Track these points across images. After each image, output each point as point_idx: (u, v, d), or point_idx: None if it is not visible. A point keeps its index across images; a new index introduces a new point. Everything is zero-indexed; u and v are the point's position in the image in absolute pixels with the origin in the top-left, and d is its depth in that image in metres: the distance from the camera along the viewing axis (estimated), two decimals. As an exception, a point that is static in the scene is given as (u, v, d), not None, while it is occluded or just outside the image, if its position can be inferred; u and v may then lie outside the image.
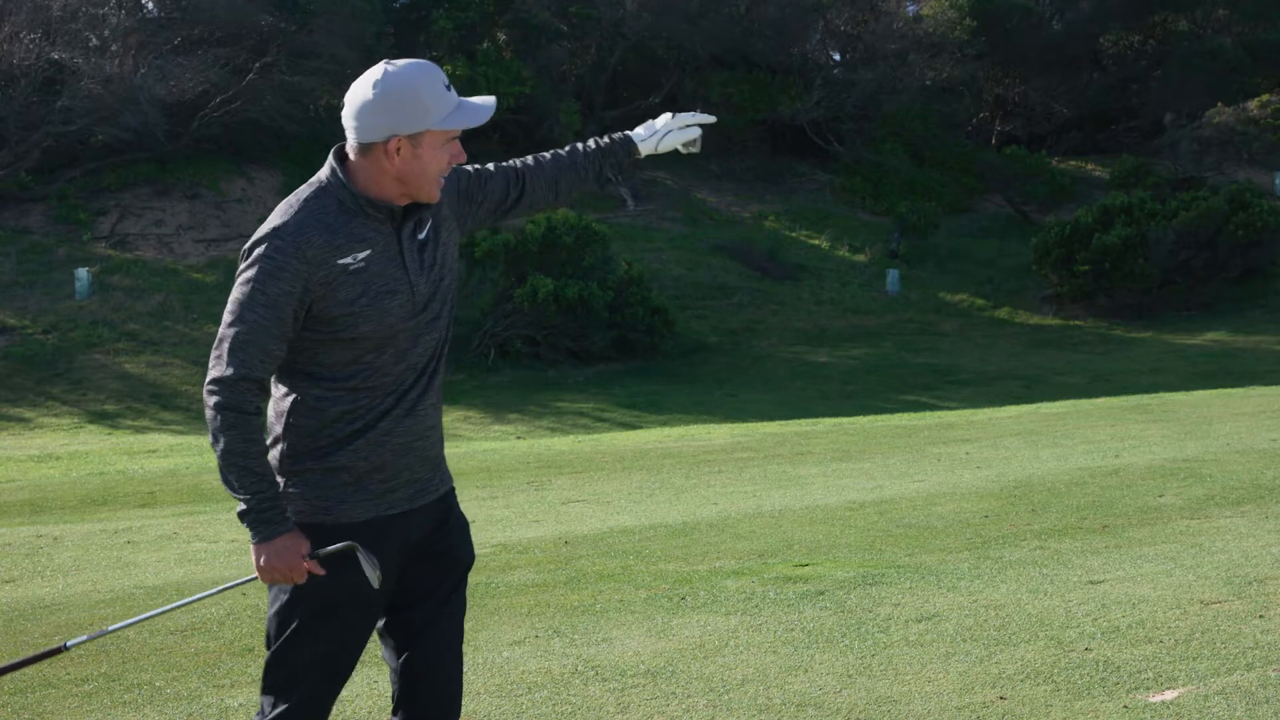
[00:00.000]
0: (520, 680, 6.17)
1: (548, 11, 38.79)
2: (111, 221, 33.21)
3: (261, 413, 3.75)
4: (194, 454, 19.75)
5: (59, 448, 21.82)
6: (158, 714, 6.01)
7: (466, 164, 4.05)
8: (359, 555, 3.75)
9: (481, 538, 10.28)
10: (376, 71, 3.75)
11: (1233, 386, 23.58)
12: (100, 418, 24.93)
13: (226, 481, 3.75)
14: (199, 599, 4.35)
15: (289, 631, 3.84)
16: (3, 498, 15.07)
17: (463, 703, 4.06)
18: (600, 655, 6.52)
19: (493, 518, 11.60)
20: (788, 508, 11.04)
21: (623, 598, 7.74)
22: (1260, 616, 6.55)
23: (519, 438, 22.54)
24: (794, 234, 38.32)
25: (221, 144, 35.15)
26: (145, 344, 28.30)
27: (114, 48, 34.59)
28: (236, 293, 3.73)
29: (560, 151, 4.31)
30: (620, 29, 39.23)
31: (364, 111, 3.74)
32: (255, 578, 3.89)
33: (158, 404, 25.84)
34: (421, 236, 3.87)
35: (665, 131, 4.29)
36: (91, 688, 6.44)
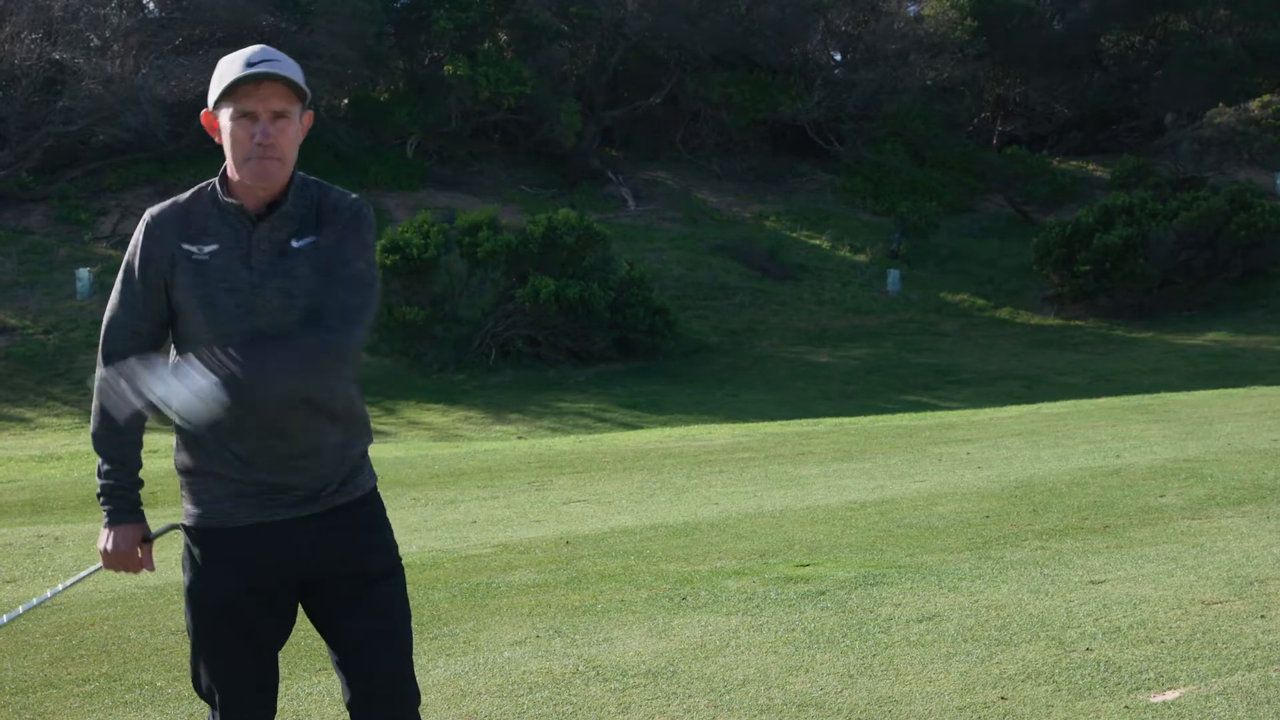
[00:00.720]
0: (521, 680, 6.17)
1: (548, 12, 38.80)
2: (112, 222, 33.22)
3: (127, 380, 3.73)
4: (195, 454, 19.74)
5: (60, 448, 21.82)
6: (159, 714, 6.01)
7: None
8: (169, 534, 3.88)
9: (482, 538, 10.29)
10: None
11: (1234, 387, 23.57)
12: (101, 418, 24.92)
13: (100, 463, 3.86)
14: (56, 593, 4.31)
15: (190, 637, 3.90)
16: (4, 498, 15.07)
17: (418, 698, 3.95)
18: (601, 655, 6.52)
19: (494, 518, 11.59)
20: (789, 508, 11.04)
21: (624, 598, 7.74)
22: (1261, 617, 6.55)
23: (520, 438, 22.54)
24: (795, 234, 38.32)
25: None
26: (146, 344, 28.33)
27: (115, 48, 34.61)
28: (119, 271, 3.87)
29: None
30: (621, 29, 39.23)
31: None
32: (100, 567, 4.00)
33: (159, 404, 25.85)
34: (297, 245, 3.75)
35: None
36: (93, 688, 6.44)
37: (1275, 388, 22.09)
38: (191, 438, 3.82)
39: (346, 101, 39.25)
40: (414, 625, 4.21)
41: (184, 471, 3.88)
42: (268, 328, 3.69)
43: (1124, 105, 45.43)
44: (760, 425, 20.76)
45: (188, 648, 7.18)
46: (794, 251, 37.10)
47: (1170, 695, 5.55)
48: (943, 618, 6.88)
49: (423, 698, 5.94)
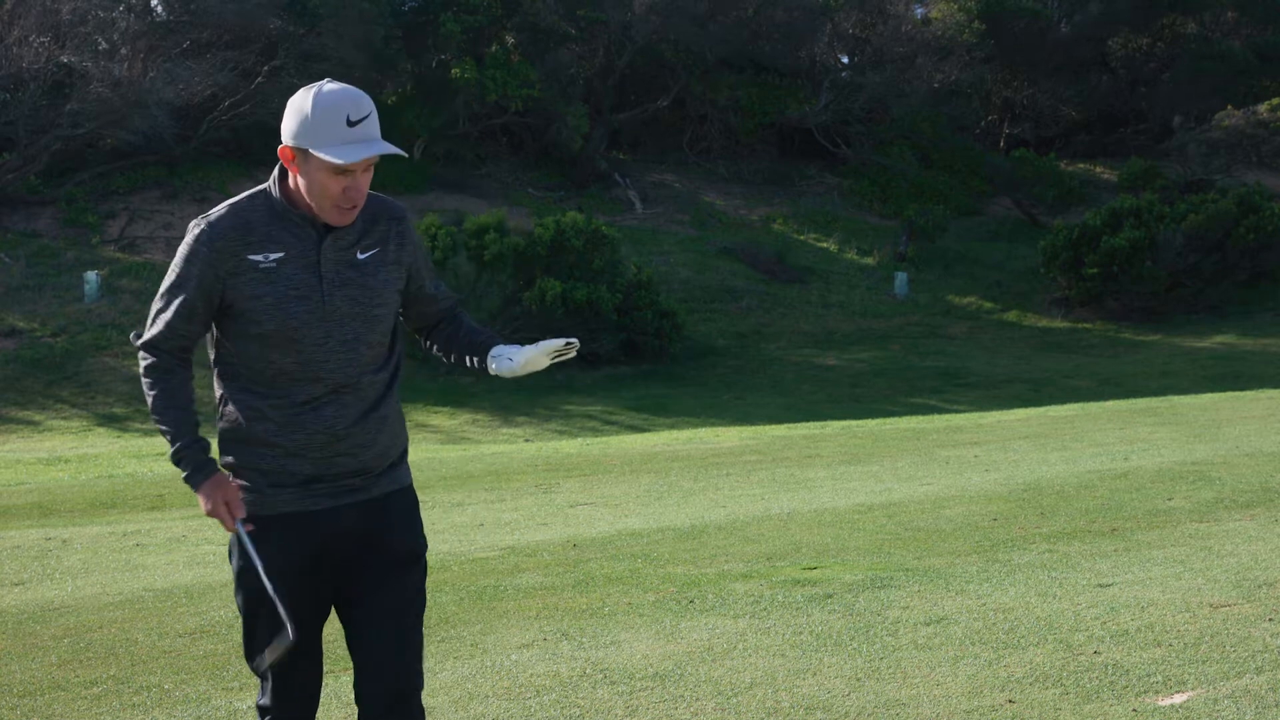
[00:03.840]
0: (528, 683, 6.17)
1: (556, 15, 38.81)
2: (120, 225, 33.26)
3: (182, 376, 4.07)
4: (203, 457, 19.75)
5: (68, 450, 21.85)
6: (166, 716, 6.02)
7: (432, 284, 4.30)
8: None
9: (490, 540, 10.29)
10: (314, 84, 3.97)
11: (1242, 389, 23.55)
12: (109, 420, 24.96)
13: (162, 432, 4.08)
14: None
15: (242, 616, 4.16)
16: (12, 500, 15.09)
17: (421, 694, 4.16)
18: (608, 658, 6.52)
19: (501, 520, 11.60)
20: (796, 510, 11.03)
21: (631, 601, 7.74)
22: (1270, 620, 6.54)
23: (527, 440, 22.54)
24: (802, 237, 38.32)
25: (230, 147, 35.21)
26: (154, 347, 28.34)
27: (123, 51, 34.65)
28: (166, 278, 4.06)
29: (458, 326, 4.40)
30: (628, 32, 39.23)
31: (285, 113, 3.98)
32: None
33: (166, 407, 25.86)
34: (362, 257, 4.07)
35: (525, 359, 4.33)
36: (100, 690, 6.44)
37: (1283, 391, 22.06)
38: (238, 436, 4.08)
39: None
40: (419, 644, 4.33)
41: (230, 466, 4.11)
42: (343, 341, 4.02)
43: (1131, 108, 45.39)
44: (767, 428, 20.76)
45: (196, 650, 7.20)
46: (801, 254, 37.09)
47: (1178, 698, 5.54)
48: (950, 621, 6.88)
49: (429, 701, 5.95)
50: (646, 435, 21.45)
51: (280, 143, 3.99)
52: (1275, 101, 40.84)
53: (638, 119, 41.14)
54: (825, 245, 37.93)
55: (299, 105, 3.91)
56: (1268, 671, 5.78)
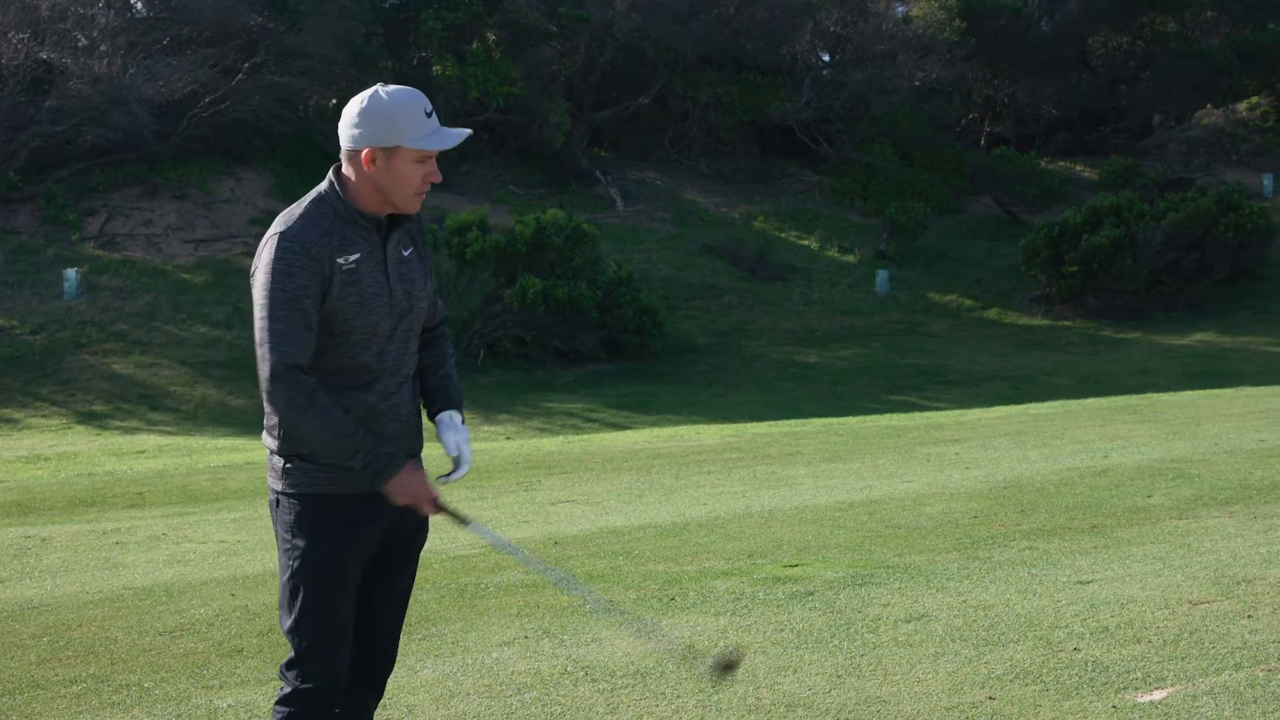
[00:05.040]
0: (510, 681, 6.17)
1: (537, 12, 38.74)
2: (100, 222, 33.14)
3: (324, 389, 4.19)
4: (182, 455, 19.72)
5: (47, 448, 21.78)
6: (146, 715, 6.00)
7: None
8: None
9: (471, 538, 10.27)
10: (369, 91, 4.24)
11: (1221, 387, 23.62)
12: (89, 418, 24.88)
13: (332, 456, 4.22)
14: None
15: (299, 598, 4.29)
16: (-9, 498, 15.02)
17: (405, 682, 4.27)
18: (590, 656, 6.53)
19: (482, 518, 11.58)
20: (777, 508, 11.04)
21: (612, 598, 7.74)
22: (1248, 616, 6.57)
23: (508, 438, 22.52)
24: (783, 234, 38.34)
25: (210, 144, 35.08)
26: (134, 344, 28.25)
27: (103, 48, 34.52)
28: (259, 294, 4.18)
29: (441, 362, 4.62)
30: (610, 29, 39.20)
31: (349, 123, 4.23)
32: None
33: (146, 404, 25.79)
34: (406, 253, 4.38)
35: (455, 448, 4.55)
36: (80, 689, 6.43)
37: (1262, 388, 22.14)
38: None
39: (335, 101, 39.18)
40: (403, 626, 4.64)
41: (299, 454, 4.27)
42: (404, 330, 4.34)
43: (1112, 106, 45.47)
44: (749, 426, 20.77)
45: (176, 648, 7.19)
46: (782, 252, 37.10)
47: (1157, 695, 5.56)
48: (931, 618, 6.89)
49: (411, 698, 5.95)
50: (627, 433, 21.45)
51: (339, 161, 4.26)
52: (1254, 100, 41.01)
53: (619, 116, 41.11)
54: (806, 243, 37.95)
55: (378, 111, 4.19)
56: (1246, 668, 5.81)
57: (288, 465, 4.29)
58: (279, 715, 4.31)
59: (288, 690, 4.31)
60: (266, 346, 4.13)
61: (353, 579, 4.34)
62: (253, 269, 4.24)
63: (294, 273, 4.13)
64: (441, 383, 4.57)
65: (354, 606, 4.37)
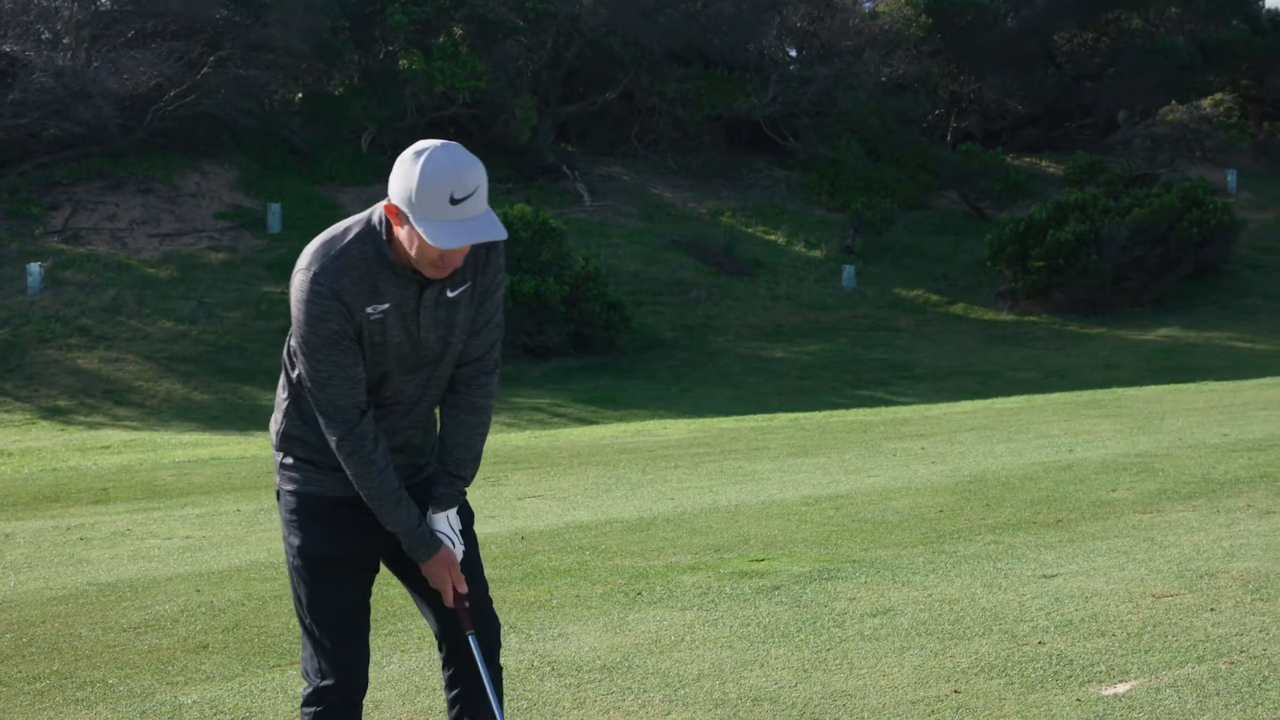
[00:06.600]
0: (476, 676, 6.15)
1: (504, 6, 38.67)
2: (64, 216, 32.94)
3: (383, 446, 4.17)
4: (147, 450, 19.62)
5: (11, 444, 21.64)
6: (110, 711, 5.98)
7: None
8: None
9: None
10: (426, 143, 3.93)
11: (1185, 382, 23.76)
12: (53, 414, 24.73)
13: (379, 514, 4.21)
14: None
15: (301, 594, 4.31)
16: (-47, 494, 14.92)
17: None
18: (556, 650, 6.52)
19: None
20: (744, 503, 11.05)
21: (579, 593, 7.74)
22: (1211, 610, 6.60)
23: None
24: (750, 230, 38.37)
25: (175, 138, 34.90)
26: (98, 339, 28.10)
27: (66, 41, 34.32)
28: (296, 327, 4.10)
29: (451, 425, 4.41)
30: (577, 24, 39.16)
31: (396, 166, 3.96)
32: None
33: (111, 400, 25.66)
34: (452, 295, 4.16)
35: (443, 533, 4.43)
36: (43, 685, 6.39)
37: (1225, 383, 22.28)
38: (308, 436, 4.25)
39: (300, 96, 39.05)
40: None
41: (293, 454, 4.28)
42: (424, 370, 4.22)
43: (1077, 102, 45.65)
44: (715, 420, 20.78)
45: (140, 645, 7.17)
46: (749, 247, 37.13)
47: (1121, 688, 5.59)
48: (896, 612, 6.91)
49: (376, 694, 5.93)
50: (594, 428, 21.44)
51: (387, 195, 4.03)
52: (1218, 96, 41.19)
53: (586, 111, 41.08)
54: (773, 238, 38.00)
55: (406, 170, 3.88)
56: (1209, 661, 5.84)
57: (284, 461, 4.30)
58: (307, 716, 4.32)
59: (310, 689, 4.32)
60: (321, 399, 4.11)
61: (353, 577, 4.32)
62: (292, 276, 4.12)
63: (326, 319, 4.03)
64: (443, 463, 4.35)
65: (364, 601, 4.36)
